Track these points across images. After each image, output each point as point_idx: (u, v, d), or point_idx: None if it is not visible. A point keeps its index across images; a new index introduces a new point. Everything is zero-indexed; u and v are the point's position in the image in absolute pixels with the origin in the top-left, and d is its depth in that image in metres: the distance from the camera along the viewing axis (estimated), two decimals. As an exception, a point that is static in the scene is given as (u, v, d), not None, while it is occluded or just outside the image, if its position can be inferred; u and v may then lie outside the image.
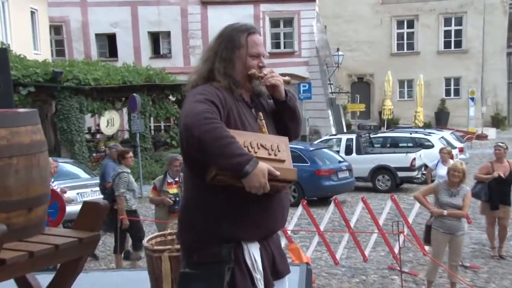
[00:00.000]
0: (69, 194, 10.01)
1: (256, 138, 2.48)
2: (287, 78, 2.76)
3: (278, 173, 2.36)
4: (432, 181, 9.94)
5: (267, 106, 2.80)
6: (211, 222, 2.50)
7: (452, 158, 10.33)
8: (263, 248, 2.60)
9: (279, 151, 2.49)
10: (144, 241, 4.07)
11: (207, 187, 2.46)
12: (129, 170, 8.13)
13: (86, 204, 2.82)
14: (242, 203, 2.47)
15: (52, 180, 7.41)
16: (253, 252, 2.54)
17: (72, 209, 9.07)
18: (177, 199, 7.31)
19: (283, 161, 2.47)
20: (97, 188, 10.93)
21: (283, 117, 2.78)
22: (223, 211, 2.49)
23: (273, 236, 2.70)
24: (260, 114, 2.69)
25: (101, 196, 10.76)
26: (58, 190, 7.00)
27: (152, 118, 22.34)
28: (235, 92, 2.61)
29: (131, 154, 8.30)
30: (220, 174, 2.35)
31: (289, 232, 8.04)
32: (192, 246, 2.55)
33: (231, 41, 2.63)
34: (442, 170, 9.61)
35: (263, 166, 2.32)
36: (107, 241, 10.04)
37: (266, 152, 2.45)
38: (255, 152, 2.41)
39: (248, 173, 2.28)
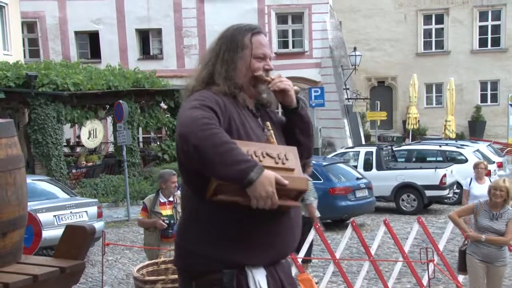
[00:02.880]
0: (45, 217, 10.08)
1: (261, 147, 2.53)
2: (296, 88, 2.83)
3: (286, 182, 2.39)
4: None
5: (275, 119, 2.86)
6: (211, 245, 2.54)
7: (489, 175, 10.31)
8: (270, 275, 2.62)
9: (287, 159, 2.54)
10: (134, 271, 4.09)
11: (208, 206, 2.51)
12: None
13: (69, 229, 2.85)
14: (247, 223, 2.51)
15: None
16: (259, 279, 2.57)
17: (49, 234, 9.18)
18: (172, 221, 7.30)
19: (292, 169, 2.51)
20: (78, 210, 10.97)
21: (294, 130, 2.84)
22: (225, 232, 2.53)
23: (282, 262, 2.72)
24: (268, 123, 2.74)
25: (84, 219, 10.80)
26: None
27: (140, 129, 22.41)
28: (238, 97, 2.69)
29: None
30: (222, 187, 2.39)
31: (299, 261, 8.04)
32: (191, 273, 2.60)
33: (234, 42, 2.73)
34: (477, 189, 9.59)
35: (270, 173, 2.37)
36: (88, 271, 10.05)
37: (272, 160, 2.50)
38: (260, 161, 2.45)
39: (253, 181, 2.32)
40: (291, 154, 2.58)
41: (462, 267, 6.89)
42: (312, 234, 8.28)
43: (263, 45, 2.77)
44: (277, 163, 2.49)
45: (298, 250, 7.96)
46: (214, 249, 2.54)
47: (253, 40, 2.74)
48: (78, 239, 2.79)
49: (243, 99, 2.72)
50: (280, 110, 2.96)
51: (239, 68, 2.70)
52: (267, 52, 2.78)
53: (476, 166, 10.30)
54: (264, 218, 2.49)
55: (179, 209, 7.32)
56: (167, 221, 7.30)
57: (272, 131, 2.71)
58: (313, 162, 14.24)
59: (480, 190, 9.26)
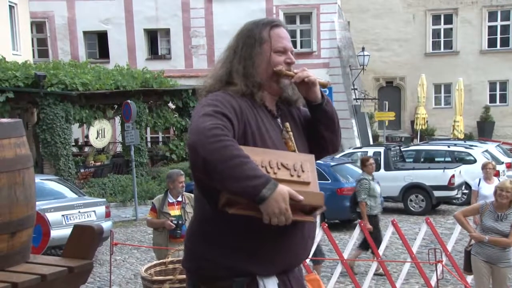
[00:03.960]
0: (54, 216, 10.12)
1: (276, 157, 2.43)
2: (324, 80, 2.73)
3: (301, 197, 2.29)
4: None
5: (298, 116, 2.76)
6: (222, 253, 2.48)
7: (497, 175, 10.27)
8: (282, 283, 2.57)
9: (303, 171, 2.44)
10: (142, 271, 4.10)
11: (220, 215, 2.43)
12: (370, 177, 9.90)
13: (77, 228, 2.85)
14: (260, 235, 2.44)
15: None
16: None
17: (57, 234, 9.22)
18: (180, 222, 7.31)
19: (307, 183, 2.42)
20: (86, 210, 11.00)
21: (319, 126, 2.73)
22: (237, 241, 2.47)
23: (293, 270, 2.67)
24: (287, 124, 2.65)
25: (92, 219, 10.84)
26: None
27: (148, 129, 22.45)
28: (256, 96, 2.58)
29: (371, 161, 10.11)
30: (233, 200, 2.30)
31: (307, 261, 8.03)
32: (199, 276, 2.56)
33: (251, 37, 2.63)
34: (486, 189, 9.56)
35: (284, 189, 2.26)
36: (96, 271, 10.08)
37: (287, 173, 2.40)
38: (275, 173, 2.36)
39: (265, 198, 2.22)
40: (308, 164, 2.48)
41: (468, 267, 6.90)
42: (320, 235, 8.27)
43: (283, 38, 2.67)
44: (292, 175, 2.40)
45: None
46: (225, 257, 2.47)
47: (272, 33, 2.64)
48: (86, 239, 2.79)
49: (261, 98, 2.61)
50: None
51: (258, 64, 2.59)
52: (288, 45, 2.68)
53: (484, 167, 10.27)
54: (277, 229, 2.40)
55: (187, 209, 7.33)
56: (175, 222, 7.30)
57: (291, 133, 2.62)
58: (321, 162, 14.25)
59: (489, 190, 9.21)
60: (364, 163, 10.17)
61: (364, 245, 9.38)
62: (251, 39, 2.62)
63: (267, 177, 2.26)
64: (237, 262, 2.47)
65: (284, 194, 2.25)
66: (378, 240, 9.02)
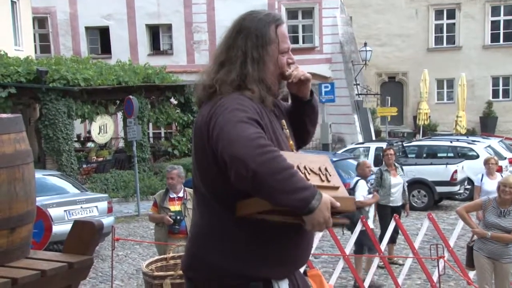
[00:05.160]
0: (56, 212, 10.12)
1: (301, 160, 2.39)
2: (308, 74, 2.65)
3: (338, 204, 2.28)
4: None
5: (286, 111, 2.71)
6: (236, 260, 2.41)
7: (500, 170, 10.24)
8: (291, 283, 2.56)
9: (330, 175, 2.43)
10: (143, 266, 4.10)
11: (235, 222, 2.37)
12: (385, 168, 10.03)
13: (77, 224, 2.85)
14: (273, 239, 2.41)
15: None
16: None
17: (59, 229, 9.22)
18: (179, 217, 7.32)
19: (337, 188, 2.41)
20: (88, 205, 11.00)
21: (305, 121, 2.71)
22: (251, 245, 2.41)
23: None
24: (283, 122, 2.61)
25: (94, 214, 10.85)
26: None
27: (151, 124, 22.46)
28: (266, 101, 2.49)
29: (387, 152, 10.22)
30: (275, 212, 2.25)
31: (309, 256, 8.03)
32: (204, 285, 2.49)
33: (261, 37, 2.49)
34: (489, 185, 9.54)
35: (327, 198, 2.24)
36: (98, 266, 10.09)
37: (317, 178, 2.38)
38: (308, 180, 2.31)
39: (314, 209, 2.20)
40: (330, 167, 2.48)
41: (470, 263, 6.89)
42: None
43: (286, 37, 2.56)
44: (322, 180, 2.38)
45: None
46: (239, 264, 2.41)
47: (278, 32, 2.51)
48: (86, 235, 2.78)
49: (273, 102, 2.54)
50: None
51: (268, 67, 2.48)
52: (289, 44, 2.59)
53: (486, 162, 10.25)
54: (291, 232, 2.41)
55: (188, 205, 7.34)
56: (174, 217, 7.32)
57: (287, 131, 2.59)
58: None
59: (492, 185, 9.19)
60: (382, 154, 10.71)
61: (390, 239, 9.17)
62: (261, 39, 2.48)
63: (314, 188, 2.23)
64: (251, 269, 2.42)
65: (327, 204, 2.23)
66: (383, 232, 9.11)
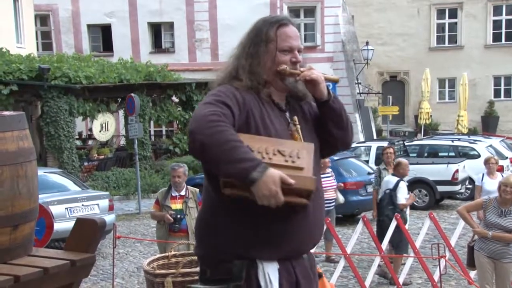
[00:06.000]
0: (57, 209, 10.13)
1: (274, 144, 2.53)
2: (334, 76, 2.83)
3: (292, 181, 2.38)
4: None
5: (309, 111, 2.83)
6: (225, 238, 2.60)
7: (501, 170, 10.24)
8: (285, 269, 2.64)
9: (298, 157, 2.51)
10: (144, 264, 4.10)
11: (223, 201, 2.55)
12: (383, 167, 9.98)
13: (79, 222, 2.85)
14: (260, 219, 2.54)
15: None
16: (269, 272, 2.59)
17: (60, 226, 9.22)
18: (179, 216, 7.31)
19: (300, 168, 2.49)
20: (90, 203, 11.01)
21: (327, 123, 2.79)
22: (238, 226, 2.58)
23: (300, 258, 2.73)
24: (295, 118, 2.73)
25: (96, 212, 10.86)
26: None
27: (152, 122, 22.44)
28: (261, 92, 2.68)
29: (386, 150, 10.23)
30: (230, 182, 2.41)
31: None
32: (207, 263, 2.68)
33: (259, 35, 2.72)
34: (489, 185, 9.54)
35: (274, 172, 2.36)
36: (99, 264, 10.10)
37: (282, 158, 2.49)
38: (270, 159, 2.45)
39: (255, 180, 2.33)
40: (305, 152, 2.56)
41: (471, 263, 6.88)
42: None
43: (289, 37, 2.74)
44: (286, 161, 2.48)
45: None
46: (227, 243, 2.60)
47: (279, 32, 2.72)
48: (88, 232, 2.79)
49: (267, 94, 2.71)
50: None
51: (264, 62, 2.69)
52: (294, 44, 2.75)
53: (487, 162, 10.25)
54: (278, 215, 2.51)
55: (190, 204, 7.34)
56: (174, 216, 7.31)
57: (298, 126, 2.70)
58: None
59: (492, 185, 9.19)
60: (381, 152, 10.67)
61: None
62: (258, 37, 2.71)
63: (258, 161, 2.37)
64: (238, 246, 2.58)
65: (274, 177, 2.35)
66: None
